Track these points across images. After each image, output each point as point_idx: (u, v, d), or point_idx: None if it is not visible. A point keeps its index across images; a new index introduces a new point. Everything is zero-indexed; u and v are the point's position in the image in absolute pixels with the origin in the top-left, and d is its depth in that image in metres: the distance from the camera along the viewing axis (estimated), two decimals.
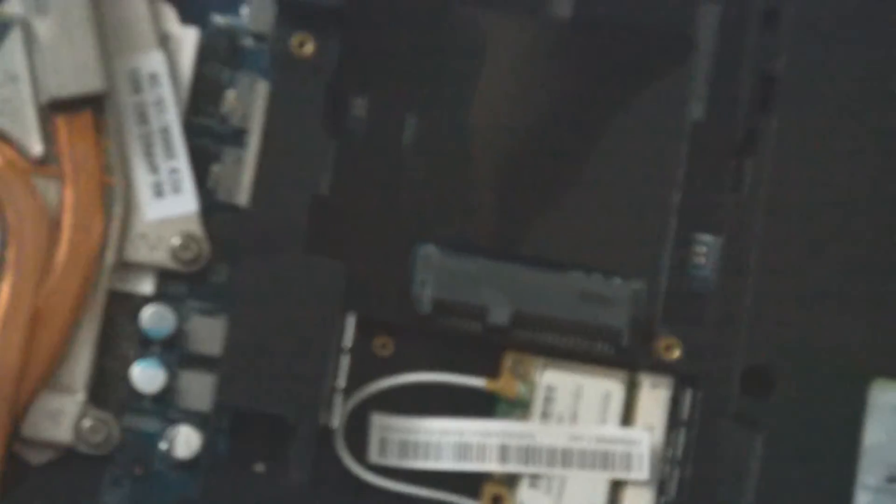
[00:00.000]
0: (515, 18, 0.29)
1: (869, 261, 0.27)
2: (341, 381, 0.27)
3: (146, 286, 0.28)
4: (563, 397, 0.28)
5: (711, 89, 0.29)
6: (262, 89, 0.28)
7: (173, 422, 0.27)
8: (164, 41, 0.28)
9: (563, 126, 0.29)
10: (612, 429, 0.28)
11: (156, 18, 0.28)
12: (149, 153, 0.27)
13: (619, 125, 0.29)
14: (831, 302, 0.27)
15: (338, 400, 0.27)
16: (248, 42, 0.29)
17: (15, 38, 0.26)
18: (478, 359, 0.28)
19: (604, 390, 0.28)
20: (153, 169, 0.27)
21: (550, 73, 0.30)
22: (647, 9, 0.29)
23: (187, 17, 0.28)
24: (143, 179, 0.27)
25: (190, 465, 0.27)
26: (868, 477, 0.26)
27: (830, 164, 0.28)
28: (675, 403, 0.28)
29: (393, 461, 0.28)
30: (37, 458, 0.26)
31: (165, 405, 0.27)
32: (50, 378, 0.26)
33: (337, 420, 0.27)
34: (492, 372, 0.28)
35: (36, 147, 0.26)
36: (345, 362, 0.28)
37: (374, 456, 0.28)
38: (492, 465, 0.27)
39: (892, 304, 0.27)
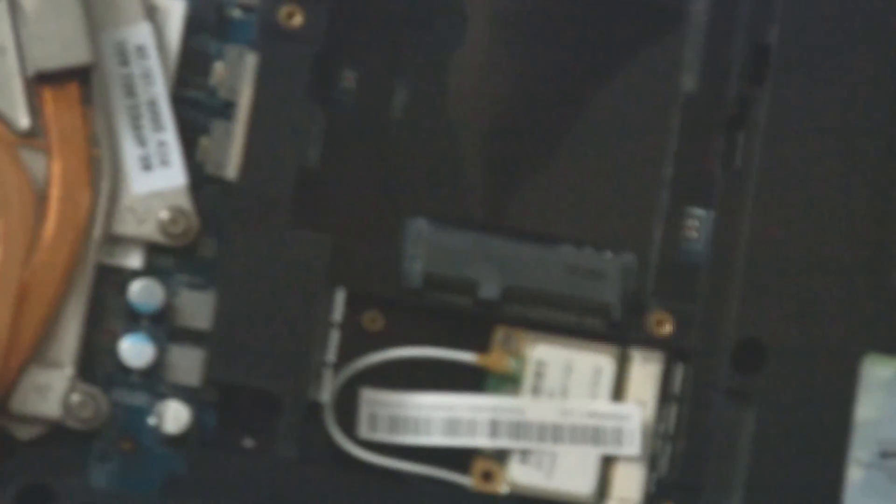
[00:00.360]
0: None
1: (861, 234, 0.27)
2: (331, 356, 0.27)
3: (134, 260, 0.27)
4: (554, 372, 0.28)
5: (703, 61, 0.29)
6: (250, 61, 0.27)
7: (162, 396, 0.27)
8: (152, 13, 0.27)
9: (554, 98, 0.29)
10: (603, 404, 0.28)
11: None
12: (136, 126, 0.27)
13: (610, 97, 0.29)
14: (823, 276, 0.27)
15: (327, 375, 0.27)
16: (235, 13, 0.28)
17: (0, 10, 0.26)
18: (468, 333, 0.28)
19: (594, 365, 0.28)
20: (141, 142, 0.27)
21: (541, 45, 0.29)
22: None
23: None
24: (130, 152, 0.27)
25: (179, 440, 0.27)
26: (860, 452, 0.26)
27: (823, 137, 0.28)
28: (666, 378, 0.28)
29: (383, 436, 0.27)
30: (24, 433, 0.26)
31: (154, 380, 0.27)
32: (37, 352, 0.26)
33: (326, 395, 0.27)
34: (482, 347, 0.28)
35: (22, 120, 0.26)
36: (334, 337, 0.27)
37: (363, 431, 0.27)
38: (482, 441, 0.27)
39: (884, 278, 0.27)
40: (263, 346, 0.27)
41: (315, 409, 0.27)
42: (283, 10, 0.27)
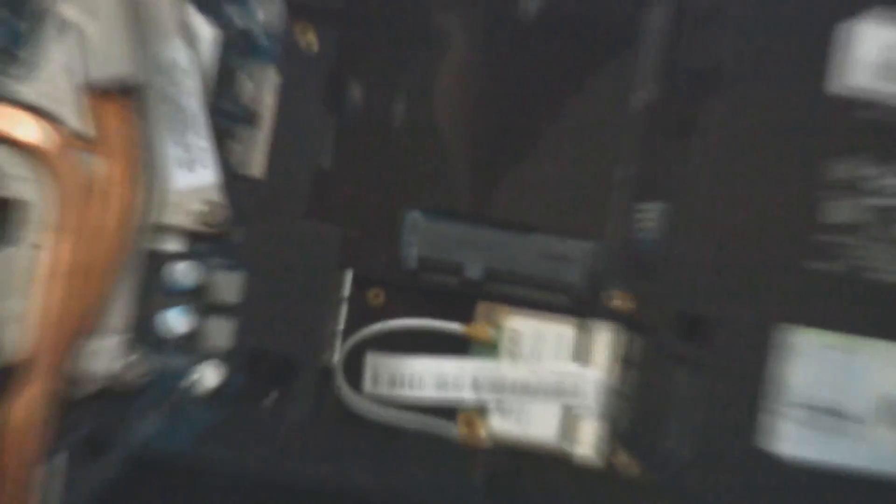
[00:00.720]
0: (488, 16, 0.29)
1: (787, 227, 0.27)
2: (340, 326, 0.28)
3: (176, 245, 0.28)
4: (527, 340, 0.28)
5: (658, 74, 0.29)
6: (272, 77, 0.28)
7: (198, 360, 0.28)
8: (191, 36, 0.28)
9: (530, 109, 0.29)
10: (566, 365, 0.28)
11: (182, 15, 0.28)
12: (175, 130, 0.28)
13: (577, 107, 0.29)
14: (758, 261, 0.27)
15: (337, 341, 0.28)
16: (260, 37, 0.29)
17: (66, 34, 0.27)
18: (455, 307, 0.28)
19: (559, 334, 0.28)
20: (179, 145, 0.28)
21: (520, 64, 0.29)
22: (603, 6, 0.29)
23: (208, 14, 0.28)
24: (172, 155, 0.28)
25: (211, 397, 0.28)
26: (790, 410, 0.27)
27: (760, 142, 0.27)
28: (621, 346, 0.28)
29: (383, 391, 0.28)
30: (82, 391, 0.27)
31: (192, 346, 0.28)
32: (95, 322, 0.27)
33: (337, 358, 0.28)
34: (467, 318, 0.28)
35: (82, 127, 0.27)
36: (343, 310, 0.28)
37: (367, 387, 0.28)
38: (466, 395, 0.28)
39: (812, 262, 0.27)
40: (284, 318, 0.27)
41: (327, 369, 0.28)
42: (300, 31, 0.28)
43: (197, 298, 0.29)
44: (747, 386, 0.27)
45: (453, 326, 0.28)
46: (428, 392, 0.28)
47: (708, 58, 0.28)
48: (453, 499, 0.27)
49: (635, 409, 0.28)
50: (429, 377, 0.28)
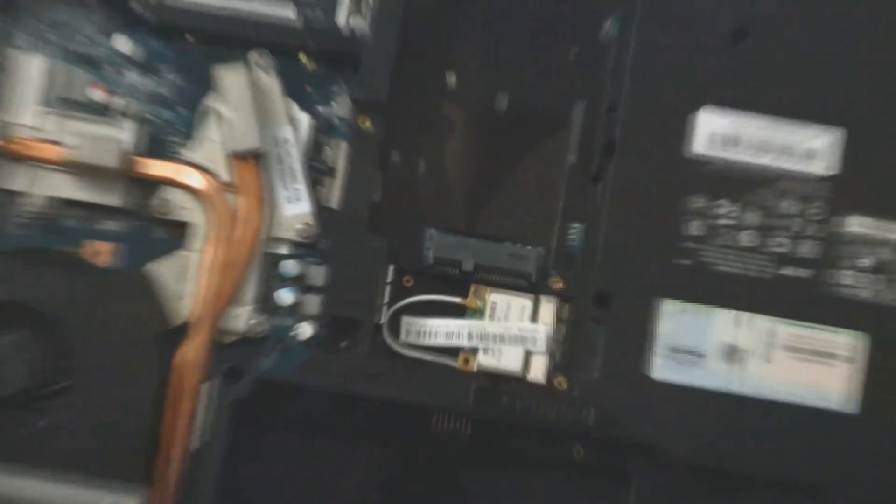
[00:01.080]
0: (475, 111, 0.35)
1: (663, 237, 0.34)
2: (386, 300, 0.35)
3: (284, 249, 0.35)
4: (501, 308, 0.35)
5: (580, 146, 0.35)
6: (344, 147, 0.35)
7: (299, 321, 0.35)
8: (292, 121, 0.35)
9: (503, 166, 0.35)
10: (526, 324, 0.35)
11: (289, 109, 0.35)
12: (283, 179, 0.34)
13: (533, 165, 0.35)
14: (644, 258, 0.34)
15: (384, 309, 0.35)
16: (336, 121, 0.36)
17: (213, 119, 0.34)
18: (456, 288, 0.35)
19: (522, 304, 0.35)
20: (286, 188, 0.35)
21: (496, 140, 0.35)
22: (546, 103, 0.35)
23: (305, 108, 0.35)
24: (281, 194, 0.35)
25: (307, 343, 0.34)
26: (660, 349, 0.34)
27: (643, 188, 0.34)
28: (559, 311, 0.35)
29: (412, 340, 0.35)
30: (226, 339, 0.34)
31: (295, 312, 0.35)
32: (235, 297, 0.34)
33: (384, 319, 0.35)
34: (463, 294, 0.35)
35: (225, 176, 0.34)
36: (387, 289, 0.35)
37: (402, 337, 0.35)
38: (463, 342, 0.35)
39: (676, 259, 0.34)
40: (352, 294, 0.34)
41: (378, 326, 0.35)
42: (361, 119, 0.34)
43: (299, 282, 0.35)
44: (635, 336, 0.33)
45: (455, 300, 0.35)
46: (440, 340, 0.35)
47: (609, 135, 0.34)
48: (454, 405, 0.33)
49: (567, 350, 0.35)
50: (440, 332, 0.35)
